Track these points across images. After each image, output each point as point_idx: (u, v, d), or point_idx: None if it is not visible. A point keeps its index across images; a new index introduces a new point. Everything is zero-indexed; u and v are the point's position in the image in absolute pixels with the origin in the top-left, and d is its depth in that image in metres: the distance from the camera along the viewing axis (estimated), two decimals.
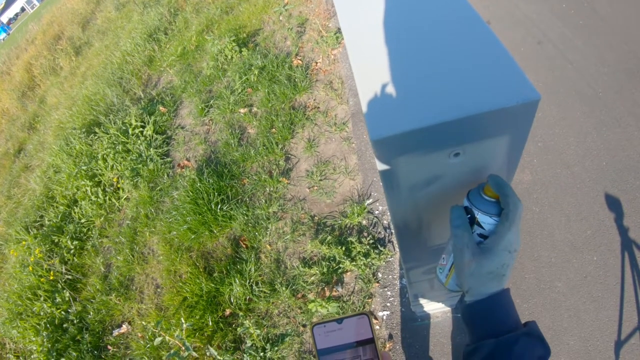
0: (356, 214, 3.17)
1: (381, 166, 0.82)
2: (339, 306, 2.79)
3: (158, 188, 4.31)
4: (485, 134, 0.76)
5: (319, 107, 4.16)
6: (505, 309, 0.70)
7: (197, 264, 3.44)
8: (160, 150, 4.72)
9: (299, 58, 4.83)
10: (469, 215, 0.75)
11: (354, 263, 2.90)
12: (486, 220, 0.73)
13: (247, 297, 3.09)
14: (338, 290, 2.93)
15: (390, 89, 0.82)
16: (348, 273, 2.98)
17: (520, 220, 0.70)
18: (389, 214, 3.16)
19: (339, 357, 0.62)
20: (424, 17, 0.97)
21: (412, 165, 0.82)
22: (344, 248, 2.97)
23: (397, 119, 0.74)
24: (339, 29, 4.94)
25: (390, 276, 2.90)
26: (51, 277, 4.16)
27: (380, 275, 2.92)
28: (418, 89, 0.79)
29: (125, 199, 4.57)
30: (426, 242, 1.26)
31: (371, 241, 3.00)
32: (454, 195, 0.93)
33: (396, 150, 0.78)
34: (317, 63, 4.69)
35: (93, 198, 4.66)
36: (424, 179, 0.87)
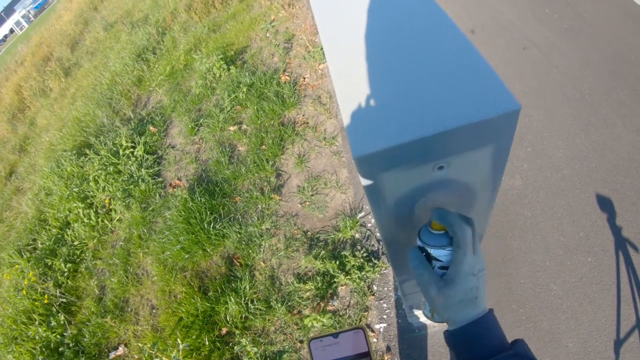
0: (349, 228, 3.19)
1: (366, 182, 0.82)
2: (335, 320, 2.80)
3: (150, 208, 4.32)
4: (468, 145, 0.76)
5: (308, 122, 4.20)
6: (489, 332, 0.69)
7: (192, 283, 3.44)
8: (151, 171, 4.73)
9: (287, 74, 4.87)
10: (424, 253, 0.76)
11: (349, 277, 2.91)
12: (440, 253, 0.74)
13: (243, 315, 3.09)
14: (334, 305, 2.94)
15: (371, 105, 0.82)
16: (343, 287, 2.99)
17: (475, 241, 0.71)
18: (377, 228, 3.18)
19: None
20: (403, 31, 0.98)
21: (397, 180, 0.82)
22: (338, 262, 2.99)
23: (379, 135, 0.74)
24: None
25: (385, 288, 2.91)
26: (45, 301, 4.13)
27: (375, 287, 2.93)
28: (399, 103, 0.79)
29: (117, 220, 4.56)
30: None
31: (365, 254, 3.01)
32: (441, 206, 0.92)
33: (380, 166, 0.78)
34: (304, 78, 4.74)
35: (85, 220, 4.66)
36: (409, 193, 0.87)
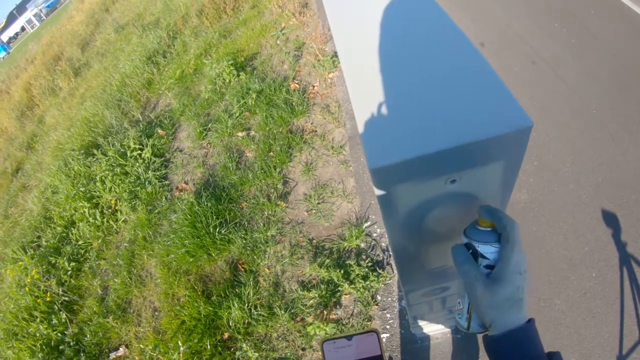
0: (354, 237, 3.20)
1: (379, 193, 0.83)
2: (337, 329, 2.79)
3: (156, 211, 4.33)
4: (480, 160, 0.77)
5: (316, 131, 4.22)
6: (531, 342, 0.68)
7: (196, 287, 3.44)
8: (158, 173, 4.76)
9: (296, 82, 4.90)
10: (471, 251, 0.75)
11: (353, 286, 2.91)
12: (488, 250, 0.73)
13: (246, 321, 3.09)
14: (337, 313, 2.94)
15: (387, 117, 0.84)
16: (347, 296, 2.99)
17: (520, 239, 0.70)
18: (387, 237, 3.18)
19: None
20: (416, 43, 0.99)
21: (410, 192, 0.83)
22: (342, 271, 2.99)
23: (395, 148, 0.75)
24: (336, 52, 5.02)
25: (389, 298, 2.91)
26: (48, 298, 4.14)
27: (379, 297, 2.93)
28: (414, 116, 0.80)
29: (123, 221, 4.58)
30: (424, 265, 1.27)
31: (370, 264, 3.01)
32: (452, 219, 0.94)
33: (394, 178, 0.79)
34: (314, 87, 4.77)
35: (91, 220, 4.68)
36: (421, 205, 0.88)
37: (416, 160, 0.73)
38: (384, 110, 0.85)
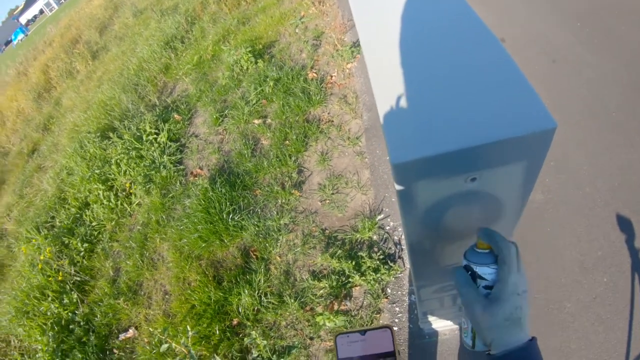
0: (367, 229, 3.17)
1: (400, 188, 0.83)
2: (346, 320, 2.78)
3: (170, 195, 4.35)
4: (502, 160, 0.77)
5: (333, 121, 4.19)
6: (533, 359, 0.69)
7: (207, 272, 3.45)
8: (173, 158, 4.76)
9: (314, 71, 4.87)
10: (470, 272, 0.77)
11: (364, 278, 2.89)
12: (485, 271, 0.74)
13: (255, 308, 3.09)
14: (346, 305, 2.92)
15: (410, 112, 0.83)
16: (357, 287, 2.97)
17: (519, 261, 0.72)
18: (402, 231, 3.16)
19: None
20: (441, 39, 0.98)
21: (430, 188, 0.83)
22: (354, 262, 2.96)
23: (418, 144, 0.76)
24: (354, 43, 4.99)
25: (399, 292, 2.88)
26: (60, 278, 4.18)
27: (389, 290, 2.90)
28: (438, 113, 0.80)
29: (137, 204, 4.61)
30: (439, 262, 1.27)
31: (381, 256, 2.98)
32: (470, 218, 0.94)
33: (416, 174, 0.79)
34: (332, 76, 4.73)
35: (105, 202, 4.70)
36: (440, 202, 0.88)
37: (438, 158, 0.74)
38: (407, 104, 0.85)
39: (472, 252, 0.78)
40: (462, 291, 0.75)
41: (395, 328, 2.73)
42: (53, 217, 5.21)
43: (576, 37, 3.81)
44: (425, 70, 0.91)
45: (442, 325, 2.49)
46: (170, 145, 4.93)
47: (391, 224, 3.23)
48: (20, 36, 41.33)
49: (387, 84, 0.92)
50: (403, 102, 0.85)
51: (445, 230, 1.01)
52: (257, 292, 3.13)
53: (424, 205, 0.90)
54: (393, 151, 0.77)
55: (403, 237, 3.12)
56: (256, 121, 4.58)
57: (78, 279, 4.21)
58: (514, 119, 0.72)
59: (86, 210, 4.84)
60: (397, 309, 2.81)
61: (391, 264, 2.95)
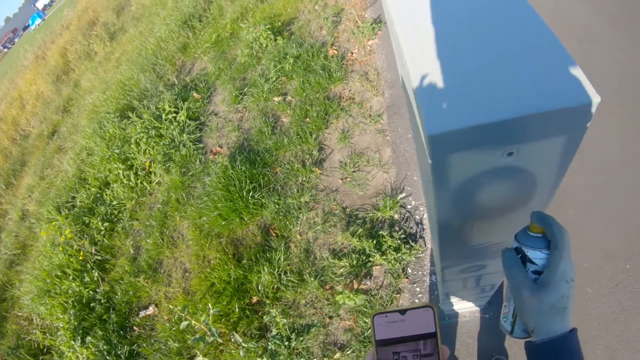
0: (389, 208, 3.11)
1: (434, 161, 0.80)
2: (366, 299, 2.74)
3: (190, 173, 4.32)
4: (541, 134, 0.74)
5: (354, 98, 4.10)
6: (572, 351, 0.68)
7: (227, 250, 3.42)
8: (193, 136, 4.73)
9: (335, 48, 4.77)
10: (520, 255, 0.75)
11: (384, 257, 2.84)
12: (537, 256, 0.73)
13: (275, 286, 3.06)
14: (366, 284, 2.88)
15: (447, 83, 0.79)
16: (377, 267, 2.92)
17: (570, 248, 0.69)
18: (424, 210, 3.09)
19: (397, 350, 0.59)
20: (480, 7, 0.93)
21: (466, 162, 0.80)
22: (374, 241, 2.91)
23: (455, 115, 0.72)
24: (375, 19, 4.87)
25: (420, 272, 2.83)
26: (81, 257, 4.21)
27: (410, 270, 2.85)
28: (475, 84, 0.76)
29: (156, 183, 4.60)
30: (467, 241, 1.23)
31: (402, 236, 2.93)
32: (503, 196, 0.92)
33: (452, 146, 0.76)
34: (352, 53, 4.63)
35: (125, 181, 4.71)
36: (474, 177, 0.85)
37: (477, 129, 0.71)
38: (443, 75, 0.81)
39: (524, 234, 0.76)
40: (511, 273, 0.74)
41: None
42: (74, 197, 5.24)
43: (602, 16, 3.63)
44: (462, 41, 0.86)
45: (462, 307, 2.47)
46: (190, 124, 4.89)
47: (413, 202, 3.17)
48: (38, 21, 41.66)
49: (421, 55, 0.87)
50: (439, 72, 0.81)
51: (477, 208, 0.98)
52: (276, 270, 3.10)
53: (457, 180, 0.87)
54: (429, 122, 0.73)
55: (425, 216, 3.07)
56: (276, 99, 4.51)
57: (99, 257, 4.23)
58: (555, 91, 0.69)
59: (106, 190, 4.85)
60: (418, 289, 2.78)
61: (412, 244, 2.90)
